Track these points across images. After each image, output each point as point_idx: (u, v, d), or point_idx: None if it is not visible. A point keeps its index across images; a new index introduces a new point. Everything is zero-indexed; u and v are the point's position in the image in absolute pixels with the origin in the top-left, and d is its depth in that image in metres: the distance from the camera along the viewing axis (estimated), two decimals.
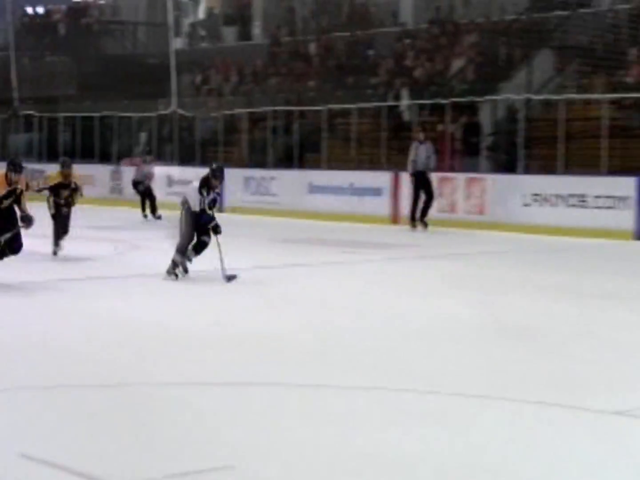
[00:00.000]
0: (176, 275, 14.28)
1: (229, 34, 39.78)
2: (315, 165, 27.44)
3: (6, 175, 13.81)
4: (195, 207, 14.22)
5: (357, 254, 17.37)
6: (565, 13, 28.25)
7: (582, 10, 28.41)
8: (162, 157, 30.40)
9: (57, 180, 17.36)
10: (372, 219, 23.55)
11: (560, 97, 23.99)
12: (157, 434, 6.66)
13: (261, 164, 29.02)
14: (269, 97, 31.28)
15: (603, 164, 21.85)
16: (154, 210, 24.89)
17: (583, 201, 21.41)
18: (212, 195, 14.46)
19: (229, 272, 13.74)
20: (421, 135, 22.87)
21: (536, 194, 21.96)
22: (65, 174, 17.33)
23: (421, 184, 22.39)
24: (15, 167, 14.00)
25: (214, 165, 14.91)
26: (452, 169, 24.54)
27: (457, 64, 28.19)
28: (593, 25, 27.19)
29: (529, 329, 10.85)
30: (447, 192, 23.11)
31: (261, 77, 33.69)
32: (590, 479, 5.90)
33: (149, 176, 25.21)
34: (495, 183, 22.83)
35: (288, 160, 28.65)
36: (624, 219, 20.45)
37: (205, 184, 14.37)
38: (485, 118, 25.49)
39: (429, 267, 16.36)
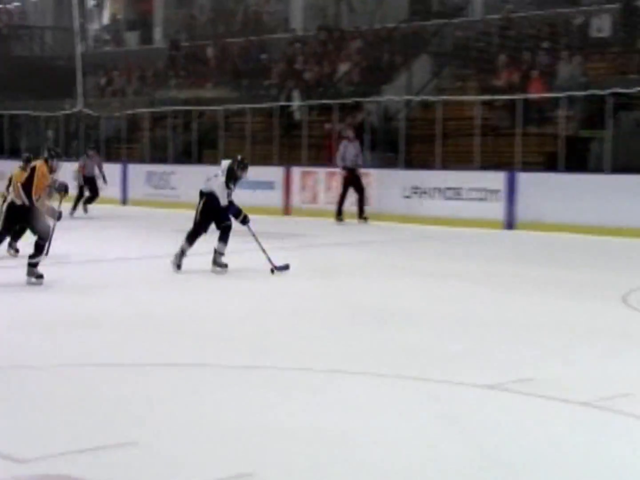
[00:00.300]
0: (179, 267, 13.49)
1: (132, 38, 39.56)
2: (213, 160, 27.29)
3: (47, 162, 12.57)
4: (224, 201, 13.49)
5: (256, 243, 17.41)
6: (441, 21, 28.61)
7: (456, 19, 28.84)
8: (68, 154, 30.01)
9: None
10: (266, 211, 23.55)
11: (437, 99, 24.24)
12: (63, 412, 6.63)
13: (162, 160, 28.87)
14: (169, 97, 31.14)
15: (476, 160, 22.16)
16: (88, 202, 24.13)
17: (458, 194, 21.68)
18: (236, 187, 13.94)
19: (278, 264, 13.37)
20: (350, 134, 22.65)
21: (416, 187, 22.17)
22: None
23: (351, 180, 22.25)
24: (57, 154, 12.93)
25: (239, 157, 14.26)
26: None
27: (343, 67, 28.34)
28: (467, 33, 27.55)
29: (408, 310, 10.94)
30: (334, 186, 23.18)
31: (162, 79, 33.52)
32: (466, 450, 5.94)
33: (100, 168, 24.46)
34: (379, 177, 23.00)
35: (187, 156, 28.56)
36: (495, 210, 20.77)
37: (232, 177, 13.71)
38: (369, 118, 25.62)
39: (314, 254, 16.49)
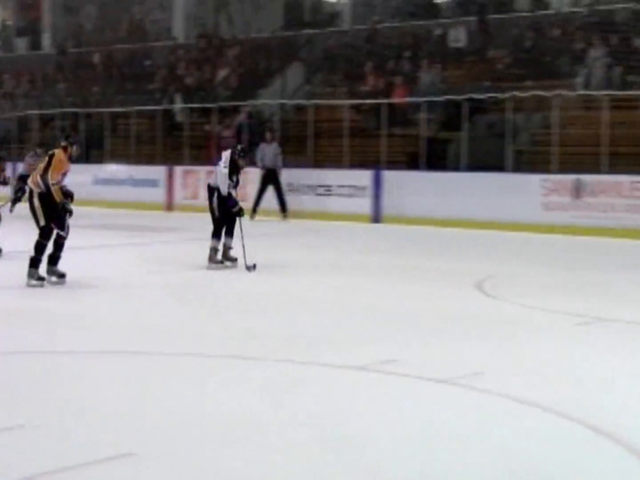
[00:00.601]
0: (221, 262, 13.09)
1: (21, 44, 38.74)
2: (100, 160, 27.03)
3: (65, 149, 11.39)
4: (224, 191, 12.98)
5: (141, 237, 17.32)
6: (313, 31, 28.78)
7: (327, 29, 29.03)
8: None
9: None
10: (150, 207, 23.39)
11: (309, 103, 24.32)
12: None
13: None
14: (58, 100, 30.58)
15: (345, 159, 22.30)
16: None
17: (329, 190, 21.79)
18: (235, 179, 13.28)
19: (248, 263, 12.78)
20: (268, 136, 22.20)
21: (290, 184, 22.19)
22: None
23: (270, 180, 21.82)
24: (76, 141, 11.82)
25: (239, 147, 13.65)
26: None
27: (222, 73, 28.23)
28: (336, 42, 27.72)
29: (279, 298, 11.00)
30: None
31: (50, 83, 32.96)
32: (315, 426, 5.96)
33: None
34: (256, 176, 22.98)
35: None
36: (363, 205, 20.93)
37: (234, 167, 13.17)
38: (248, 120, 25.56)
39: (194, 247, 16.38)
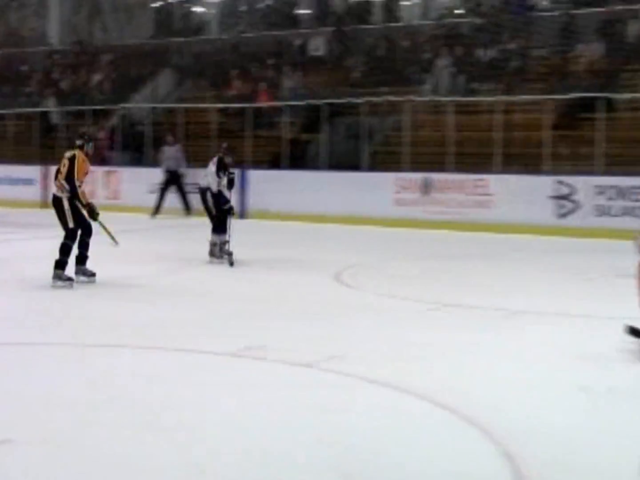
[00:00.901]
0: (220, 256, 12.85)
1: None
2: None
3: (82, 148, 10.85)
4: (215, 189, 12.82)
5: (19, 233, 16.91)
6: (182, 39, 28.55)
7: (195, 37, 28.88)
8: None
9: None
10: (25, 204, 22.83)
11: (179, 106, 24.15)
12: None
13: None
14: None
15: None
16: None
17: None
18: (226, 176, 13.00)
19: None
20: (170, 139, 21.60)
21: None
22: None
23: (172, 181, 21.20)
24: (90, 138, 11.16)
25: (225, 145, 13.31)
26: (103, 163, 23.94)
27: (96, 77, 27.79)
28: (204, 50, 27.56)
29: (160, 288, 10.86)
30: (89, 181, 22.59)
31: None
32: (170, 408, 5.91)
33: None
34: (127, 175, 22.68)
35: None
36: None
37: (221, 166, 12.95)
38: (121, 122, 25.19)
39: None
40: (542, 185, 17.69)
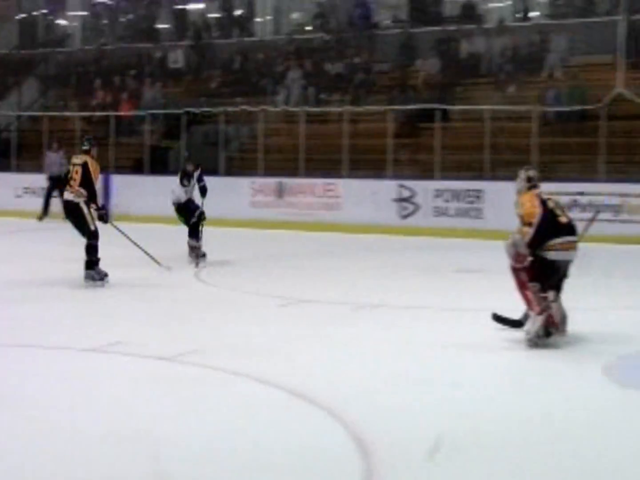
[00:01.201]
0: (197, 264, 12.41)
1: None
2: None
3: (89, 152, 10.57)
4: (182, 199, 12.62)
5: None
6: (47, 50, 27.94)
7: (59, 48, 28.29)
8: None
9: None
10: None
11: (43, 114, 23.51)
12: None
13: None
14: None
15: None
16: None
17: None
18: (193, 183, 12.68)
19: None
20: (55, 146, 20.43)
21: (27, 188, 21.31)
22: None
23: (56, 186, 19.59)
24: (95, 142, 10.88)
25: (186, 154, 12.83)
26: None
27: None
28: (68, 60, 26.99)
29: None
30: None
31: None
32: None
33: None
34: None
35: None
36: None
37: (184, 175, 12.73)
38: None
39: None
40: (386, 188, 17.96)
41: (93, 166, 10.51)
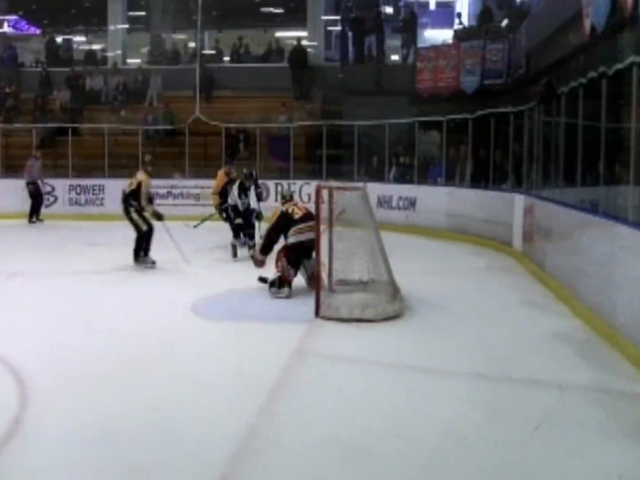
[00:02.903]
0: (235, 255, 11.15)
1: None
2: None
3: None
4: (240, 208, 11.12)
5: None
6: None
7: None
8: None
9: None
10: None
11: None
12: None
13: None
14: None
15: None
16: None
17: None
18: (248, 197, 11.22)
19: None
20: (37, 153, 17.25)
21: None
22: None
23: (35, 191, 16.91)
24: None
25: (245, 171, 11.21)
26: None
27: None
28: None
29: None
30: None
31: None
32: None
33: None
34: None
35: None
36: None
37: (242, 189, 11.19)
38: None
39: None
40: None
41: (145, 184, 10.38)
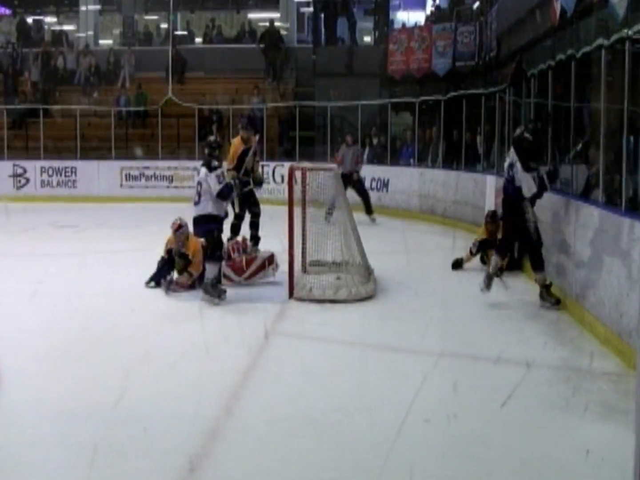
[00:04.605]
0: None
1: None
2: None
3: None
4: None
5: None
6: None
7: None
8: None
9: None
10: None
11: None
12: None
13: None
14: None
15: None
16: None
17: None
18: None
19: None
20: (349, 139, 14.15)
21: None
22: None
23: (347, 183, 12.54)
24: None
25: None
26: None
27: None
28: None
29: None
30: None
31: None
32: None
33: None
34: None
35: None
36: None
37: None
38: None
39: None
40: (4, 167, 17.79)
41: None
